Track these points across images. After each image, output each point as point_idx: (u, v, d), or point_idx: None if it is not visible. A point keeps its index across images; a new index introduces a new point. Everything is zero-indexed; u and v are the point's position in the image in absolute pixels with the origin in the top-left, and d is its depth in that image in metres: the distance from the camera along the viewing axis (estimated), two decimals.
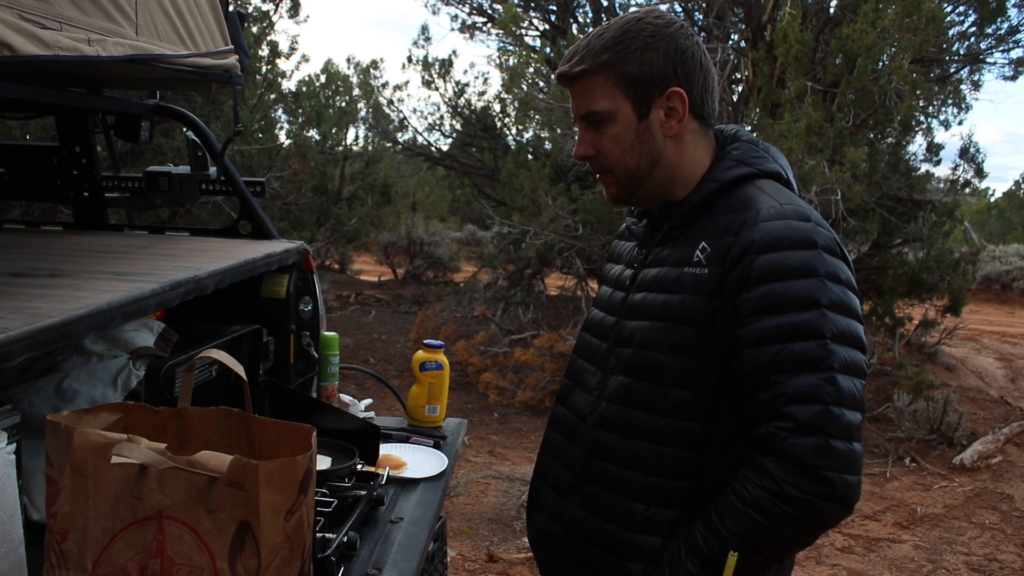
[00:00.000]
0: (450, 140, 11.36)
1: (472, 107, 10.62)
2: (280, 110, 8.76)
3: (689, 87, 1.32)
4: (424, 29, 13.54)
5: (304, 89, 9.08)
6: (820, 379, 1.15)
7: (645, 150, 1.34)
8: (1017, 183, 21.30)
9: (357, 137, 11.55)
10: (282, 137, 8.76)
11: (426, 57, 10.44)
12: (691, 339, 1.27)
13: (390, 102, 11.23)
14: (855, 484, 1.16)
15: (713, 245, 1.27)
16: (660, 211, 1.40)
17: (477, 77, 24.89)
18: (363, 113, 11.09)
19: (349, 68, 12.51)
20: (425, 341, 2.25)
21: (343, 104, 10.36)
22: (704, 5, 7.63)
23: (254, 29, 7.96)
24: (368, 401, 2.37)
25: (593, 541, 1.36)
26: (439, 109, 11.30)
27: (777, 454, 1.16)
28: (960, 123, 18.28)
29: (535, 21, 9.64)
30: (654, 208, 1.43)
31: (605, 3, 8.87)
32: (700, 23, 7.60)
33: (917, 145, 7.19)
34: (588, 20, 9.25)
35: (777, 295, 1.19)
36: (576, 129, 1.42)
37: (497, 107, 10.49)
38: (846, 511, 1.16)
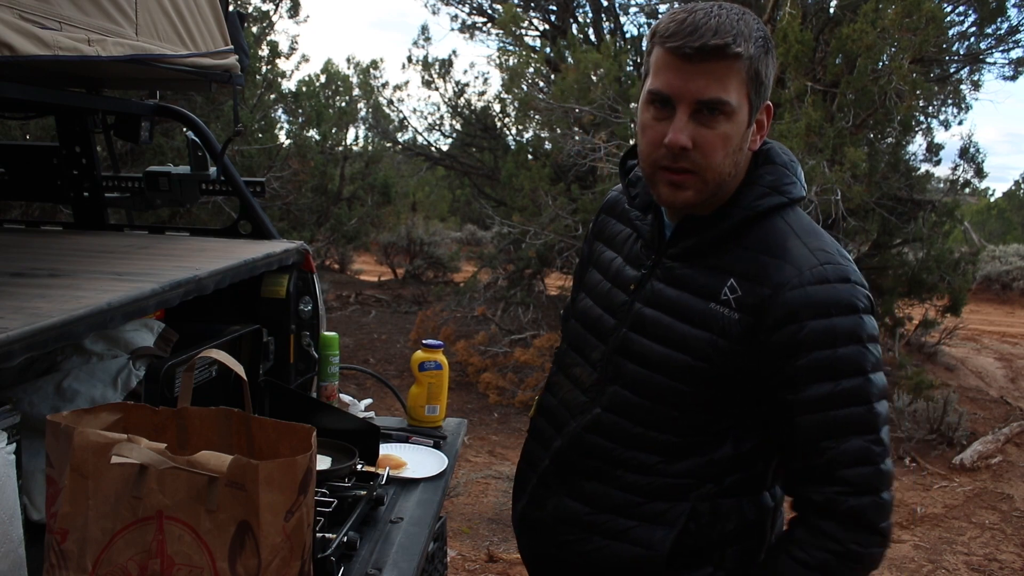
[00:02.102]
0: (450, 140, 11.35)
1: (472, 107, 10.62)
2: (280, 110, 8.76)
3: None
4: (424, 29, 13.53)
5: (304, 89, 9.08)
6: (869, 441, 1.20)
7: (739, 159, 1.24)
8: (1017, 183, 21.30)
9: (357, 137, 11.54)
10: (282, 137, 8.77)
11: (426, 57, 10.43)
12: (709, 374, 1.27)
13: (390, 102, 11.22)
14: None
15: (744, 288, 1.24)
16: (681, 223, 1.32)
17: (477, 77, 24.91)
18: (363, 113, 11.08)
19: (349, 68, 12.48)
20: (424, 341, 2.25)
21: (343, 104, 10.35)
22: None
23: (254, 29, 7.96)
24: (368, 401, 2.37)
25: (583, 528, 1.38)
26: (439, 109, 11.28)
27: (838, 517, 1.20)
28: (960, 123, 18.27)
29: (535, 21, 9.64)
30: (671, 214, 1.34)
31: (605, 3, 8.88)
32: None
33: (917, 145, 7.20)
34: (588, 20, 9.25)
35: (830, 363, 1.20)
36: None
37: (497, 107, 10.49)
38: (886, 549, 1.25)
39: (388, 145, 11.30)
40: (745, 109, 1.21)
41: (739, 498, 1.32)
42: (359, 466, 1.73)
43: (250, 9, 8.05)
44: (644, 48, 1.31)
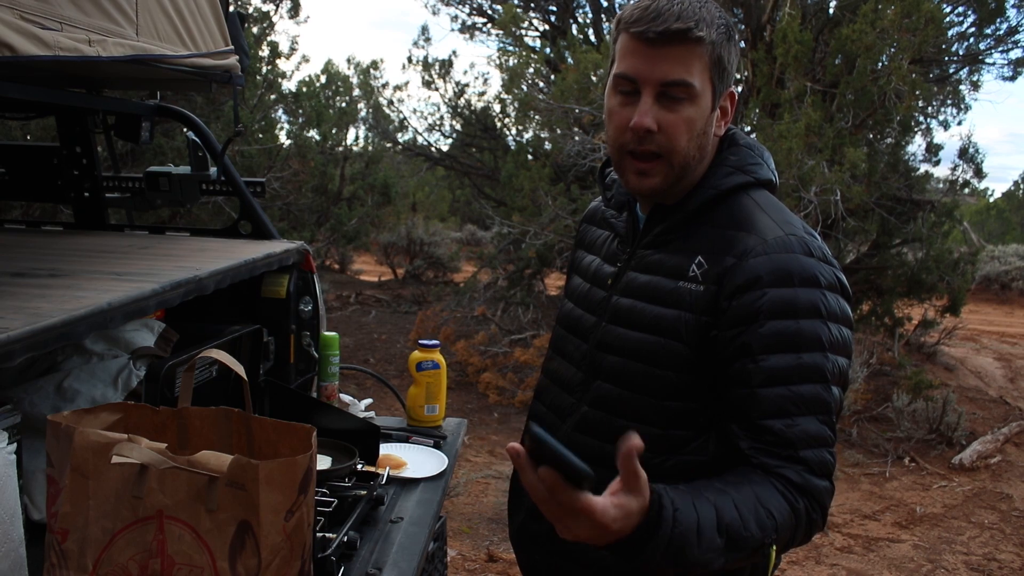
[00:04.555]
0: (450, 140, 11.35)
1: (472, 107, 10.62)
2: (280, 110, 8.75)
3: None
4: (424, 29, 13.54)
5: (304, 89, 9.08)
6: (821, 421, 1.19)
7: (704, 143, 1.27)
8: (1016, 183, 21.31)
9: (357, 137, 11.54)
10: (282, 137, 8.76)
11: (426, 57, 10.44)
12: (685, 355, 1.25)
13: (390, 102, 11.22)
14: None
15: (710, 262, 1.25)
16: (651, 212, 1.35)
17: (477, 77, 24.92)
18: (363, 113, 11.08)
19: (349, 68, 12.50)
20: (420, 340, 2.25)
21: (343, 104, 10.35)
22: None
23: (254, 29, 7.96)
24: (368, 401, 2.37)
25: None
26: (439, 109, 11.29)
27: (805, 494, 1.17)
28: (960, 123, 18.30)
29: (535, 21, 9.65)
30: (643, 205, 1.37)
31: (605, 3, 8.88)
32: None
33: (916, 145, 7.20)
34: (588, 20, 9.25)
35: (791, 333, 1.18)
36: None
37: (497, 107, 10.48)
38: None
39: (388, 145, 11.30)
40: (708, 93, 1.24)
41: None
42: (359, 466, 1.74)
43: (250, 9, 8.05)
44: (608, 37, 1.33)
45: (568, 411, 1.39)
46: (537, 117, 7.78)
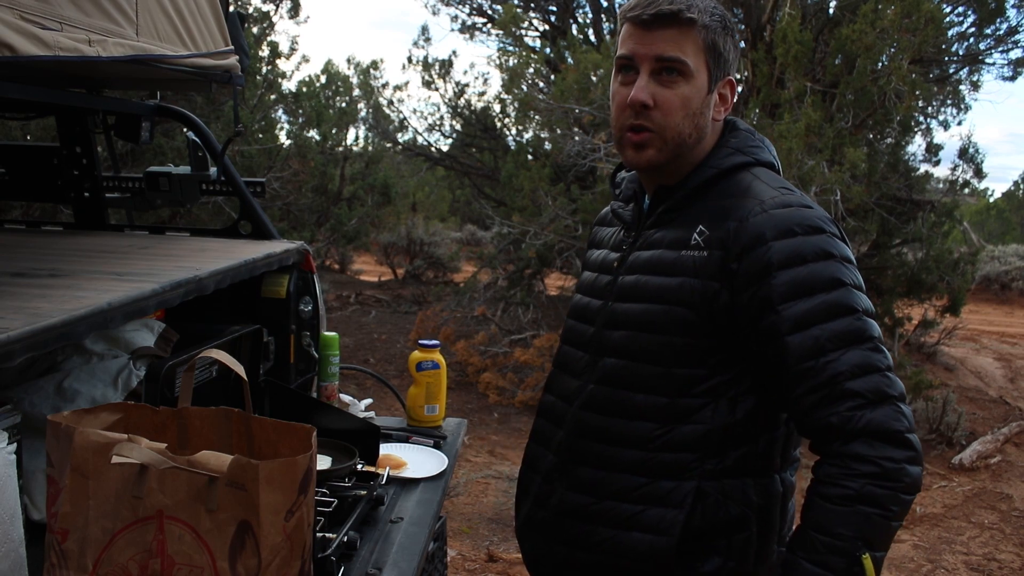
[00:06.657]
0: (450, 140, 11.34)
1: (472, 107, 10.61)
2: (280, 110, 8.75)
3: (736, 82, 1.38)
4: (424, 29, 13.52)
5: (304, 89, 9.08)
6: (867, 349, 1.19)
7: (701, 123, 1.33)
8: (1016, 183, 21.31)
9: (357, 137, 11.54)
10: (282, 137, 8.77)
11: (426, 57, 10.43)
12: (691, 320, 1.28)
13: (390, 102, 11.22)
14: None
15: (711, 228, 1.29)
16: (654, 194, 1.40)
17: (477, 77, 24.93)
18: (363, 113, 11.08)
19: (349, 68, 12.51)
20: (420, 340, 2.25)
21: (343, 104, 10.35)
22: None
23: (254, 30, 7.96)
24: (368, 401, 2.37)
25: (589, 519, 1.36)
26: (439, 109, 11.27)
27: (859, 434, 1.16)
28: (959, 123, 18.26)
29: (535, 22, 9.65)
30: (648, 189, 1.42)
31: (605, 3, 8.88)
32: None
33: (916, 145, 7.21)
34: (588, 20, 9.25)
35: (804, 278, 1.21)
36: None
37: (497, 107, 10.48)
38: (922, 469, 1.19)
39: (388, 145, 11.30)
40: (704, 75, 1.31)
41: (744, 479, 1.31)
42: (359, 466, 1.74)
43: (250, 9, 8.05)
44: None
45: (575, 394, 1.41)
46: (537, 117, 7.78)
